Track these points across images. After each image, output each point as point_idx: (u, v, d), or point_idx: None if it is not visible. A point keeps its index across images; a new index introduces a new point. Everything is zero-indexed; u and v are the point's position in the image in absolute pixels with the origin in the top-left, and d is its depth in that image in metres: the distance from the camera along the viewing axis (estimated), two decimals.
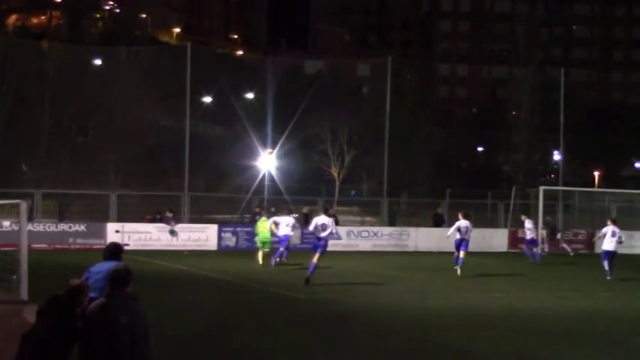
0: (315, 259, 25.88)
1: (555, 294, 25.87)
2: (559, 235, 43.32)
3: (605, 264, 31.03)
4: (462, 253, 30.09)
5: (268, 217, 33.70)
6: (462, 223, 30.35)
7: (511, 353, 16.33)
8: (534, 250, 37.97)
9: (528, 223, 38.77)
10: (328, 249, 28.15)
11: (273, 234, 32.76)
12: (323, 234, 26.04)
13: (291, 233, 33.28)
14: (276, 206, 42.44)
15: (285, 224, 32.51)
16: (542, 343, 17.41)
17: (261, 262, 32.44)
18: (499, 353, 16.33)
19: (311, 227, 26.65)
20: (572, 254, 41.95)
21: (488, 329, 18.82)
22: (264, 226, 33.12)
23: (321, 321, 19.69)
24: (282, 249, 32.40)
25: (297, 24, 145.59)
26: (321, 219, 26.30)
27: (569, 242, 44.21)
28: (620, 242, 31.14)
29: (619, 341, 17.89)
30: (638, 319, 21.33)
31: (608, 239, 31.27)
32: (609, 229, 31.41)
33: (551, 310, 22.41)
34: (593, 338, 18.14)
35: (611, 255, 31.15)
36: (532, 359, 15.96)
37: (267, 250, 33.12)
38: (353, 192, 58.56)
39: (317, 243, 26.25)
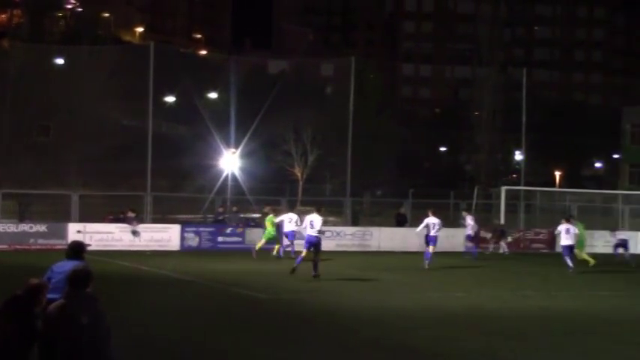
0: (303, 254, 27.90)
1: (517, 293, 26.06)
2: (509, 239, 43.61)
3: (567, 259, 32.40)
4: (430, 248, 31.87)
5: (276, 215, 36.31)
6: (431, 220, 31.53)
7: (473, 353, 16.42)
8: (470, 245, 38.72)
9: (470, 220, 39.38)
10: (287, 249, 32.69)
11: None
12: (311, 231, 27.58)
13: (296, 228, 34.57)
14: (238, 205, 42.49)
15: (289, 220, 34.95)
16: (505, 342, 17.52)
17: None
18: (461, 352, 16.42)
19: (303, 224, 28.63)
20: (506, 253, 42.20)
21: (450, 328, 18.92)
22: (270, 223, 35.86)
23: (283, 321, 19.69)
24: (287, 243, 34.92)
25: (261, 24, 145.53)
26: (311, 217, 27.92)
27: (531, 241, 44.52)
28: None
29: (580, 340, 18.06)
30: (599, 317, 21.54)
31: (564, 236, 32.90)
32: (563, 227, 33.16)
33: (513, 309, 22.55)
34: (554, 337, 18.29)
35: (570, 249, 32.95)
36: (493, 359, 16.07)
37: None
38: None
39: (309, 239, 27.76)
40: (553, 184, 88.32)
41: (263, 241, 36.22)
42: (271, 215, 36.29)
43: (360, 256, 38.68)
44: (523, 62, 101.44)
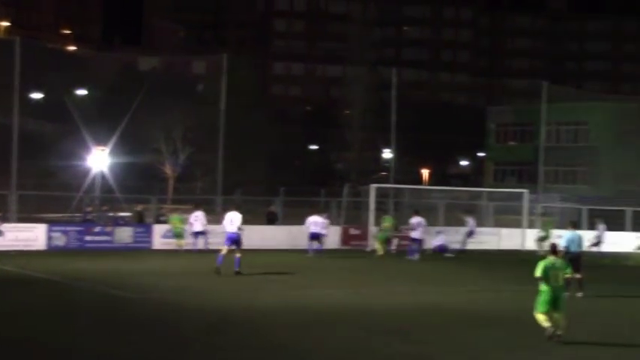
0: (223, 251, 28.99)
1: (386, 289, 26.52)
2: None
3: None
4: (314, 245, 33.90)
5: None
6: (312, 218, 32.16)
7: (343, 349, 16.65)
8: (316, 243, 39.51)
9: (319, 217, 39.88)
10: (159, 247, 34.60)
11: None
12: (231, 228, 29.13)
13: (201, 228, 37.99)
14: (108, 204, 41.92)
15: (195, 220, 37.36)
16: (375, 338, 17.84)
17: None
18: (331, 349, 16.62)
19: (224, 222, 30.07)
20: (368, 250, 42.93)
21: (320, 326, 19.13)
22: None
23: (152, 321, 19.57)
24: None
25: (131, 20, 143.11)
26: (231, 214, 29.56)
27: (401, 239, 45.20)
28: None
29: (445, 334, 18.52)
30: (464, 311, 22.12)
31: (418, 230, 38.53)
32: (415, 220, 38.43)
33: (381, 305, 22.95)
34: (421, 332, 18.72)
35: (419, 241, 38.65)
36: (365, 354, 16.32)
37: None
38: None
39: (230, 235, 29.18)
40: (421, 182, 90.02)
41: (181, 241, 38.53)
42: (176, 214, 39.27)
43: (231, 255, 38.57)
44: (393, 62, 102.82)
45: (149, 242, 39.97)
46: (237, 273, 28.47)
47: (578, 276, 24.80)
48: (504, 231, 47.18)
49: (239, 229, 28.97)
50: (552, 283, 17.93)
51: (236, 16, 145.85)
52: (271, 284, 27.25)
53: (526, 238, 46.40)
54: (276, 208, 45.43)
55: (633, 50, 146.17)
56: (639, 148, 75.28)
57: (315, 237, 38.51)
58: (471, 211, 45.29)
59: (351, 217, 47.36)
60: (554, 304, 17.88)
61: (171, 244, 39.47)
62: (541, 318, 17.84)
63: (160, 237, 40.12)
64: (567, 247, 26.53)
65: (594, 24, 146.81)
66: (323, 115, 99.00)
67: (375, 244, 41.46)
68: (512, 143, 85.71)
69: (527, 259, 40.97)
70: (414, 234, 39.35)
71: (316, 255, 37.79)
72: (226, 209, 47.59)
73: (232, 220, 29.29)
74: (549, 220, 43.80)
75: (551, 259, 18.32)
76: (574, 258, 25.88)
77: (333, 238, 43.34)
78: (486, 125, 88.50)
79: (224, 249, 29.08)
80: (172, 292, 24.27)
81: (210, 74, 64.67)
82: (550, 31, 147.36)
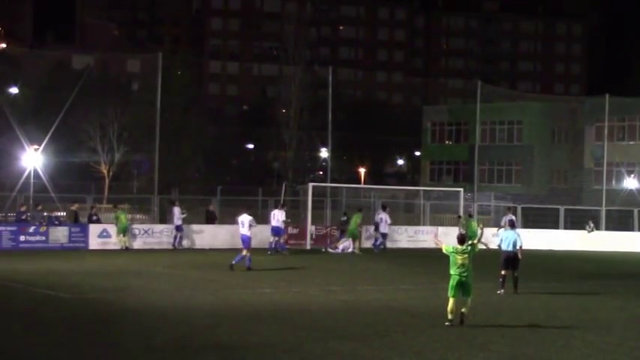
0: (243, 252, 30.83)
1: (323, 288, 26.57)
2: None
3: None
4: (244, 251, 31.45)
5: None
6: (242, 217, 32.04)
7: (280, 348, 16.64)
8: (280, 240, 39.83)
9: (280, 215, 40.11)
10: (95, 247, 35.97)
11: None
12: (243, 230, 30.99)
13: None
14: (42, 204, 41.33)
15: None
16: (311, 336, 17.86)
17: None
18: (269, 348, 16.60)
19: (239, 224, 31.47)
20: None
21: (258, 325, 19.10)
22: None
23: (87, 321, 19.33)
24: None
25: (63, 17, 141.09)
26: (242, 217, 31.14)
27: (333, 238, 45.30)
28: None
29: (382, 333, 18.61)
30: (401, 310, 22.26)
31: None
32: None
33: (318, 304, 22.99)
34: (359, 331, 18.78)
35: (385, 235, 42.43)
36: (301, 353, 16.33)
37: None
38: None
39: (243, 237, 31.08)
40: (358, 181, 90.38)
41: (124, 238, 39.76)
42: (120, 211, 40.50)
43: (169, 254, 38.39)
44: (329, 61, 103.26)
45: (85, 242, 39.55)
46: (232, 267, 30.16)
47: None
48: (441, 229, 47.55)
49: (250, 226, 30.98)
50: (456, 269, 19.42)
51: (171, 14, 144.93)
52: (210, 283, 27.12)
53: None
54: (214, 206, 45.26)
55: (564, 51, 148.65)
56: (571, 148, 76.59)
57: (277, 232, 39.04)
58: (385, 206, 45.80)
59: (289, 216, 47.33)
60: (461, 289, 19.41)
61: (108, 243, 39.13)
62: (448, 305, 19.40)
63: (95, 237, 39.71)
64: (499, 246, 26.87)
65: (526, 25, 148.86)
66: (259, 114, 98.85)
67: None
68: (447, 142, 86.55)
69: None
70: (382, 228, 42.62)
71: (279, 253, 37.88)
72: (163, 208, 47.53)
73: (242, 222, 31.22)
74: (467, 219, 43.86)
75: (457, 246, 19.76)
76: (509, 257, 26.26)
77: (270, 237, 43.29)
78: (422, 124, 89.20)
79: (244, 251, 30.86)
80: (110, 292, 24.02)
81: (145, 73, 64.12)
82: (484, 32, 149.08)
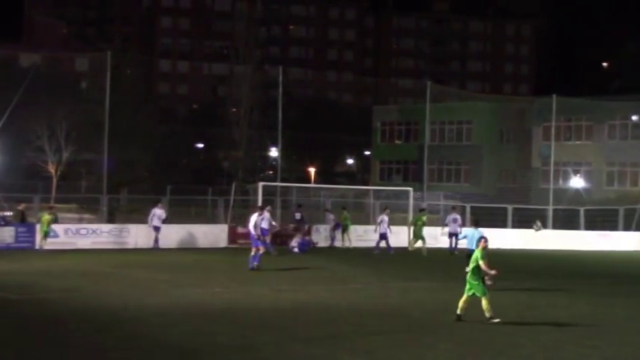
0: (261, 250, 31.85)
1: (273, 287, 26.58)
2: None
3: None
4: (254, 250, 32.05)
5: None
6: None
7: (231, 347, 16.65)
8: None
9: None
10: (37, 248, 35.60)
11: None
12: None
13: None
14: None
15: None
16: (261, 336, 17.88)
17: None
18: (220, 348, 16.60)
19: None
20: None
21: (208, 324, 19.07)
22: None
23: (35, 322, 19.16)
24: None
25: (10, 14, 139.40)
26: (254, 217, 32.26)
27: (288, 237, 45.31)
28: None
29: (333, 331, 18.68)
30: (351, 309, 22.34)
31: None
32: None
33: (268, 303, 23.01)
34: (309, 330, 18.83)
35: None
36: (252, 352, 16.34)
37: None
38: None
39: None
40: (308, 180, 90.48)
41: (44, 241, 38.78)
42: (45, 212, 39.62)
43: (117, 254, 38.11)
44: (279, 60, 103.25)
45: (32, 242, 39.12)
46: (255, 268, 31.07)
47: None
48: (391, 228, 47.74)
49: (272, 224, 32.98)
50: None
51: (121, 12, 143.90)
52: (161, 284, 27.00)
53: (412, 236, 47.14)
54: (164, 207, 44.97)
55: (513, 52, 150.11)
56: (519, 147, 77.36)
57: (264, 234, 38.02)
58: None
59: (239, 216, 47.33)
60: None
61: (55, 243, 38.79)
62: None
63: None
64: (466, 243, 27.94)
65: (476, 25, 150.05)
66: (210, 113, 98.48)
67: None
68: (397, 142, 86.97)
69: (413, 255, 41.75)
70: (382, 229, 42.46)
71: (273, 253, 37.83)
72: (111, 207, 47.20)
73: (250, 220, 32.46)
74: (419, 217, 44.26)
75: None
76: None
77: (220, 236, 43.25)
78: (372, 124, 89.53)
79: (262, 249, 31.77)
80: (58, 293, 23.82)
81: (94, 71, 63.46)
82: (434, 32, 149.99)
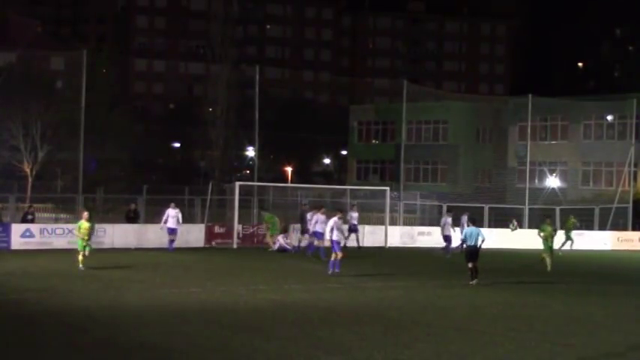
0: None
1: (250, 287, 26.53)
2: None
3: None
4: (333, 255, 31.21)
5: None
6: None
7: (207, 347, 16.60)
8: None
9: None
10: (18, 247, 34.45)
11: None
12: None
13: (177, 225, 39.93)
14: None
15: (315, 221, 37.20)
16: (237, 336, 17.85)
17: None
18: (195, 348, 16.55)
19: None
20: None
21: (184, 324, 19.02)
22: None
23: (10, 322, 19.02)
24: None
25: None
26: (316, 217, 34.80)
27: (264, 236, 45.30)
28: None
29: (308, 331, 18.67)
30: (328, 308, 22.34)
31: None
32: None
33: (245, 303, 22.96)
34: (286, 329, 18.81)
35: None
36: (227, 352, 16.31)
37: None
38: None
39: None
40: (285, 180, 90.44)
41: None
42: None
43: (93, 254, 37.87)
44: (255, 60, 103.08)
45: (7, 242, 38.86)
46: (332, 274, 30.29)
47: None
48: (367, 228, 47.86)
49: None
50: None
51: (96, 11, 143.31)
52: (136, 284, 26.88)
53: (389, 235, 47.34)
54: (139, 206, 44.77)
55: (488, 51, 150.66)
56: (495, 147, 77.64)
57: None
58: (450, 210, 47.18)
59: (215, 215, 47.25)
60: None
61: (30, 243, 38.58)
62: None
63: (18, 236, 39.07)
64: (464, 240, 29.05)
65: (452, 25, 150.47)
66: (186, 112, 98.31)
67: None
68: (374, 141, 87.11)
69: (390, 255, 41.82)
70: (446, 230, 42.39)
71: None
72: (87, 207, 46.92)
73: (327, 225, 32.25)
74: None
75: None
76: (471, 250, 28.43)
77: (197, 235, 43.14)
78: (349, 124, 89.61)
79: (338, 254, 30.82)
80: (33, 293, 23.67)
81: (70, 70, 63.16)
82: (410, 32, 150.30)
